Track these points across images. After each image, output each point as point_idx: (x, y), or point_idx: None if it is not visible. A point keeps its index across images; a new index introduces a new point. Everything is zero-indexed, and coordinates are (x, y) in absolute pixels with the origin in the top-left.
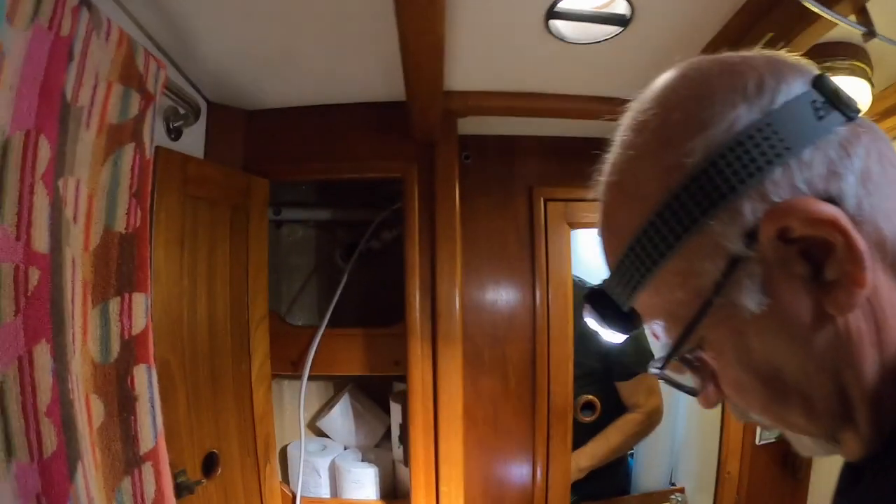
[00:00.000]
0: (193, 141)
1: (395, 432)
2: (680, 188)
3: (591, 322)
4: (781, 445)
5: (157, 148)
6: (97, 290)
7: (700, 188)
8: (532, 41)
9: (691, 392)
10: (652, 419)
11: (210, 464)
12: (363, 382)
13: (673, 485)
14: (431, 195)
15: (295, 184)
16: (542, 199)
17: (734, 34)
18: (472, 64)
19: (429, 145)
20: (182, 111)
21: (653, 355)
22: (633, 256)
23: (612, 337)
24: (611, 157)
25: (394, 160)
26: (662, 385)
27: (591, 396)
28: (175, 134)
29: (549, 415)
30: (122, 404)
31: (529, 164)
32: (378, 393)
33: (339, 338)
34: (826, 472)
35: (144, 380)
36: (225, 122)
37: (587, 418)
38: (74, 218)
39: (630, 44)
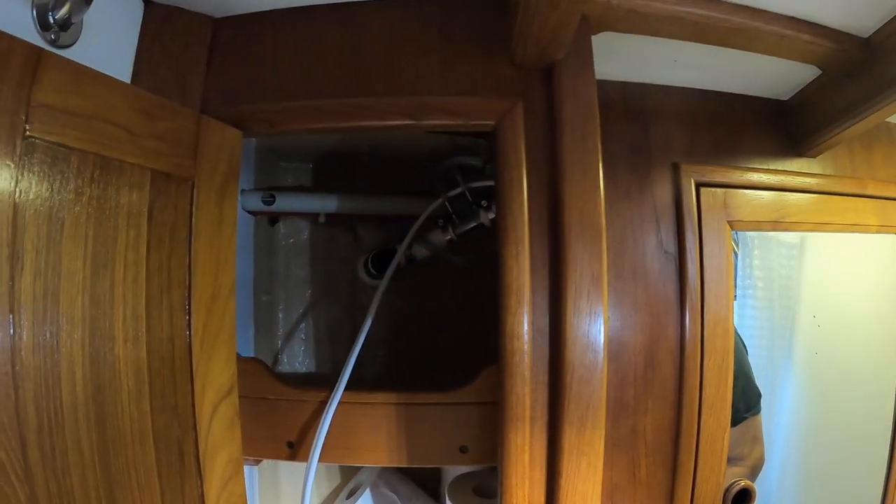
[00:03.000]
0: (107, 53)
1: None
2: None
3: None
4: None
5: None
6: None
7: None
8: None
9: None
10: (756, 473)
11: None
12: None
13: None
14: (551, 158)
15: (294, 153)
16: (692, 183)
17: None
18: None
19: (544, 71)
20: None
21: (760, 394)
22: None
23: None
24: None
25: (478, 95)
26: None
27: (745, 482)
28: (58, 32)
29: None
30: None
31: (675, 131)
32: (424, 473)
33: (364, 409)
34: None
35: None
36: (174, 34)
37: None
38: None
39: None
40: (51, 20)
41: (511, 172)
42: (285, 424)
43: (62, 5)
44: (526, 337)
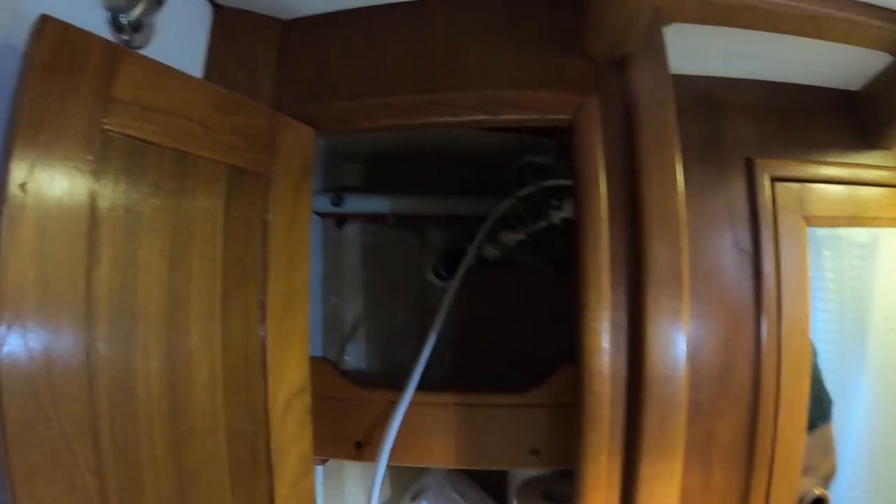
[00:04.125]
0: (178, 55)
1: None
2: None
3: None
4: None
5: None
6: None
7: None
8: None
9: None
10: (827, 484)
11: None
12: None
13: None
14: (627, 152)
15: (358, 153)
16: (767, 178)
17: None
18: None
19: (617, 64)
20: None
21: (832, 401)
22: None
23: None
24: None
25: (552, 89)
26: None
27: (820, 490)
28: (131, 33)
29: None
30: None
31: (746, 125)
32: (489, 478)
33: (432, 410)
34: None
35: None
36: (243, 37)
37: None
38: None
39: None
40: (124, 22)
41: (589, 167)
42: (353, 424)
43: (135, 7)
44: (605, 334)
